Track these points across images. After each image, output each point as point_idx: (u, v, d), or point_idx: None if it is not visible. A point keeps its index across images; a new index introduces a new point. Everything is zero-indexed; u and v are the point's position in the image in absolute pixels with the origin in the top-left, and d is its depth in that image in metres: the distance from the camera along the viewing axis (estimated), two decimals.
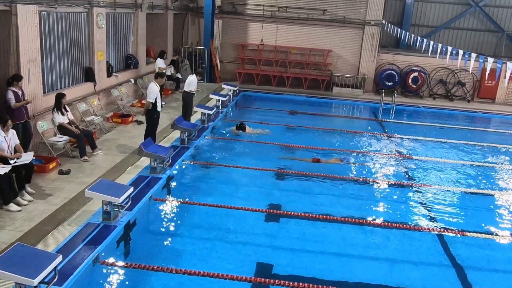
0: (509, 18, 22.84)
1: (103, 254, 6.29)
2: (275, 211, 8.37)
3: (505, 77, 11.77)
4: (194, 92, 13.07)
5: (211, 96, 15.67)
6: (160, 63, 15.94)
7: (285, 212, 8.31)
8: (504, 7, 22.71)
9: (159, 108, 10.41)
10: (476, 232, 8.03)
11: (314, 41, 20.87)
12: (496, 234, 8.14)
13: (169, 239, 7.40)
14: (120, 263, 6.34)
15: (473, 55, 12.33)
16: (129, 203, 7.25)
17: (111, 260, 6.32)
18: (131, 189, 7.30)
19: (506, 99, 20.61)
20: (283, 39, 21.07)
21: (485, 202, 9.70)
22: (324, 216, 8.14)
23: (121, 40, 14.91)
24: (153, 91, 10.21)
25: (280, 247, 7.28)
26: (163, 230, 7.68)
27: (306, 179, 10.08)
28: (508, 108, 19.73)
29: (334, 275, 6.54)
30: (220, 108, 15.04)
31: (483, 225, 8.49)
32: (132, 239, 7.24)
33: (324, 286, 6.02)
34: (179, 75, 18.20)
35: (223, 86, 17.58)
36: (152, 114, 10.36)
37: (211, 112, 13.20)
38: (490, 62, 11.40)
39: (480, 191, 10.13)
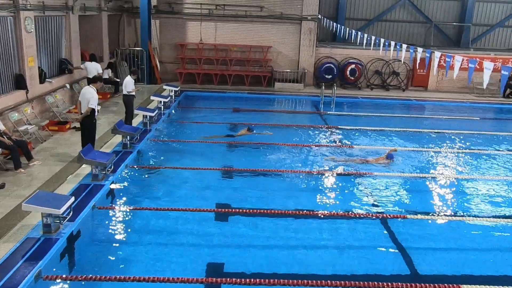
0: (436, 9, 24.13)
1: (45, 269, 6.02)
2: (223, 209, 8.36)
3: (434, 65, 12.43)
4: (133, 93, 12.74)
5: (152, 98, 15.37)
6: (89, 66, 15.17)
7: (233, 210, 8.33)
8: None
9: (96, 113, 10.10)
10: (417, 214, 8.44)
11: (253, 38, 20.98)
12: (435, 214, 8.60)
13: (117, 247, 7.20)
14: (65, 277, 6.09)
15: (404, 45, 12.93)
16: (71, 213, 6.98)
17: (55, 274, 6.05)
18: (72, 199, 7.03)
19: (437, 87, 21.75)
20: (222, 37, 21.02)
21: (423, 185, 10.19)
22: (272, 211, 8.22)
23: (53, 44, 14.27)
24: (94, 96, 9.92)
25: (230, 245, 7.28)
26: (110, 238, 7.45)
27: (252, 175, 10.15)
28: (439, 95, 20.83)
29: (285, 268, 6.63)
30: (162, 109, 14.78)
31: (423, 207, 8.94)
32: (76, 250, 6.97)
33: (276, 280, 6.10)
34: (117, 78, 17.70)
35: (164, 87, 17.30)
36: (91, 120, 10.02)
37: (153, 114, 12.96)
38: (420, 51, 11.99)
39: (418, 174, 10.62)
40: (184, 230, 7.65)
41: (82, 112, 9.94)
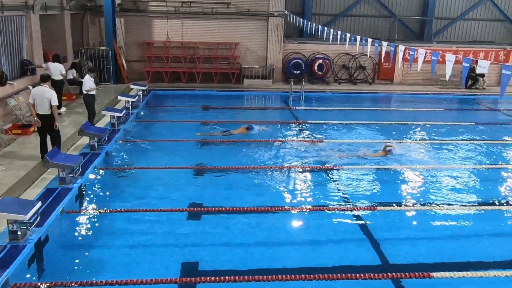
0: (399, 3, 24.60)
1: (13, 277, 5.84)
2: (196, 208, 8.32)
3: (398, 59, 12.68)
4: (93, 92, 12.34)
5: (119, 97, 15.12)
6: (52, 67, 14.59)
7: (206, 209, 8.29)
8: None
9: None
10: (386, 205, 8.61)
11: (221, 35, 20.89)
12: (404, 205, 8.80)
13: (87, 251, 7.03)
14: (34, 284, 5.94)
15: (369, 40, 13.13)
16: (38, 219, 6.80)
17: (23, 282, 5.88)
18: (39, 203, 6.84)
19: (402, 79, 22.23)
20: (189, 34, 20.84)
21: (393, 176, 10.40)
22: (244, 208, 8.23)
23: (14, 45, 13.81)
24: (54, 94, 9.68)
25: (204, 244, 7.23)
26: (80, 242, 7.28)
27: (225, 173, 10.12)
28: (405, 87, 21.30)
29: (259, 264, 6.66)
30: (130, 109, 14.56)
31: (391, 198, 9.13)
32: (46, 256, 6.81)
33: (250, 276, 6.12)
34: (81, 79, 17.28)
35: (132, 86, 17.05)
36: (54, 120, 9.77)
37: (120, 115, 12.75)
38: (384, 45, 12.21)
39: (388, 166, 10.82)
40: (156, 231, 7.55)
41: (40, 112, 9.56)
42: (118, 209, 8.13)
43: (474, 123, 15.35)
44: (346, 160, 11.06)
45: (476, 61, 9.48)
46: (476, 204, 8.94)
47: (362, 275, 6.23)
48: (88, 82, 12.19)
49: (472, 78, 21.23)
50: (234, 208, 8.23)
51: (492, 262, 6.88)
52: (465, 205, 8.83)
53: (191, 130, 13.39)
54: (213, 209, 8.25)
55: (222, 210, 8.21)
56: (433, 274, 6.29)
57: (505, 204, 9.06)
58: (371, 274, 6.26)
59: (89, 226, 7.72)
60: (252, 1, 20.69)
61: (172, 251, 6.99)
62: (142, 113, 15.52)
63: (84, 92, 12.22)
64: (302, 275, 6.20)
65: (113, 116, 12.60)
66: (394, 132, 13.87)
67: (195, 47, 20.85)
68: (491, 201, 9.06)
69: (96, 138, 10.66)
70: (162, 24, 20.61)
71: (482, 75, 20.99)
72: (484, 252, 7.26)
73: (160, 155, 11.13)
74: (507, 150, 12.65)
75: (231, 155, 11.27)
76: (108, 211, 8.08)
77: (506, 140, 13.44)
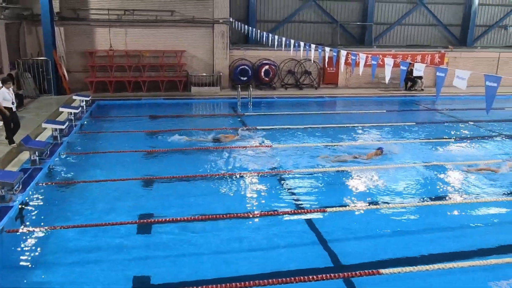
0: (340, 10, 25.38)
1: None
2: (145, 220, 8.14)
3: (341, 63, 13.06)
4: (8, 104, 11.26)
5: (61, 109, 14.58)
6: None
7: (156, 220, 8.13)
8: (335, 0, 25.14)
9: None
10: (335, 206, 8.82)
11: (166, 42, 20.66)
12: (352, 205, 9.04)
13: (32, 272, 6.69)
14: None
15: (313, 45, 13.45)
16: None
17: None
18: None
19: (346, 83, 22.91)
20: (133, 43, 20.46)
21: (339, 178, 10.66)
22: (196, 217, 8.16)
23: None
24: None
25: (155, 256, 7.09)
26: (24, 263, 6.91)
27: (174, 182, 9.99)
28: (349, 91, 21.97)
29: (213, 273, 6.60)
30: (73, 121, 14.06)
31: (340, 199, 9.37)
32: None
33: (204, 286, 6.06)
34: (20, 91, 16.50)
35: (74, 97, 16.50)
36: None
37: (63, 127, 12.30)
38: (327, 51, 12.55)
39: (336, 168, 11.07)
40: (105, 246, 7.32)
41: None
42: (63, 226, 7.80)
43: (414, 123, 16.06)
44: (295, 164, 11.20)
45: (413, 64, 9.95)
46: (417, 200, 9.34)
47: (314, 277, 6.33)
48: (3, 95, 11.14)
49: (411, 80, 22.23)
50: (186, 218, 8.13)
51: (435, 255, 7.20)
52: (407, 202, 9.18)
53: (138, 140, 13.12)
54: (163, 220, 8.10)
55: (173, 220, 8.08)
56: (382, 270, 6.50)
57: (443, 199, 9.53)
58: (323, 275, 6.38)
59: (32, 245, 7.36)
60: (197, 8, 20.64)
61: (122, 266, 6.79)
62: (86, 124, 15.03)
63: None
64: (256, 281, 6.22)
65: (55, 129, 12.13)
66: (340, 135, 14.24)
67: (140, 56, 20.48)
68: (431, 197, 9.50)
69: (37, 153, 10.22)
70: (105, 33, 20.10)
71: (420, 77, 22.01)
72: (427, 246, 7.56)
73: (106, 167, 10.82)
74: (445, 147, 13.31)
75: (179, 164, 11.16)
76: (53, 228, 7.74)
77: (444, 138, 14.16)
